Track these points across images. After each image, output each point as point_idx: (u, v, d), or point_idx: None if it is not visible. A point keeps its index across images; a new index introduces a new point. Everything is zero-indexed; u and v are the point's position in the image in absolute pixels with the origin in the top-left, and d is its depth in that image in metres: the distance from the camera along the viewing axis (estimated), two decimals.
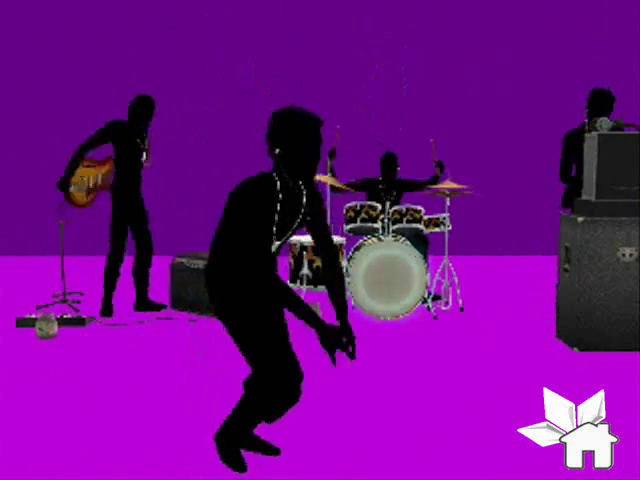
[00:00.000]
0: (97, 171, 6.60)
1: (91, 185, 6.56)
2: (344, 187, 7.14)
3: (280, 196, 3.21)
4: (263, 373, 3.30)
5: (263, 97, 9.81)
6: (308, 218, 3.40)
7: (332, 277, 3.43)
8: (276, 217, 3.22)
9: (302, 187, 3.33)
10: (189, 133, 10.04)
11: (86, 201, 6.66)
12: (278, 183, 3.22)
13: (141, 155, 6.46)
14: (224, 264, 3.26)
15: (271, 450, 3.59)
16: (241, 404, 3.37)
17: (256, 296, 3.30)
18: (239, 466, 3.37)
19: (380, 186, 7.32)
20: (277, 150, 3.21)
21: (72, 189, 6.54)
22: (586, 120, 5.96)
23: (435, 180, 7.33)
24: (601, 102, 5.94)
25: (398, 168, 7.35)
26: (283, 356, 3.36)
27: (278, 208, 3.22)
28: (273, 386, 3.29)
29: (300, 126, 3.18)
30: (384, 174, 7.33)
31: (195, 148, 9.95)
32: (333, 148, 7.37)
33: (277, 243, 3.31)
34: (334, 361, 3.35)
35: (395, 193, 7.35)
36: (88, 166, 6.58)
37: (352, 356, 3.38)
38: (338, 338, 3.42)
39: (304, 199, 3.33)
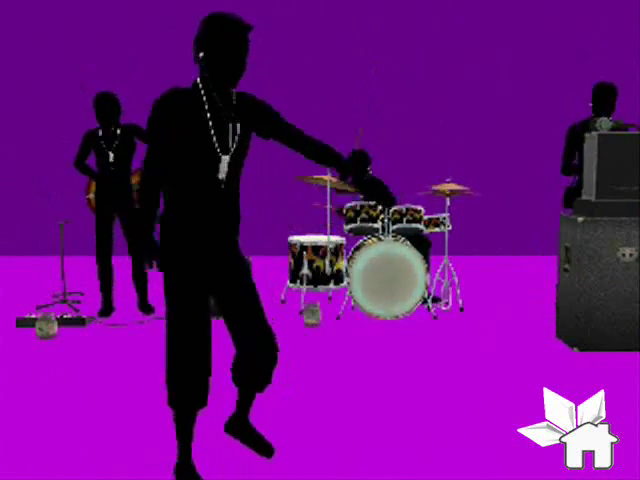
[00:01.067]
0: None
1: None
2: (349, 188, 7.14)
3: (206, 105, 3.02)
4: (167, 345, 3.11)
5: (272, 98, 9.81)
6: (267, 131, 3.20)
7: (315, 147, 3.26)
8: (207, 126, 3.01)
9: (233, 100, 3.12)
10: None
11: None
12: (201, 92, 3.03)
13: (107, 157, 6.38)
14: (166, 208, 3.08)
15: (263, 448, 3.51)
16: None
17: (185, 247, 3.06)
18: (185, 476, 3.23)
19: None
20: (200, 54, 3.02)
21: (91, 196, 6.57)
22: (592, 115, 6.02)
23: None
24: (604, 95, 5.97)
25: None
26: (188, 327, 3.06)
27: (206, 118, 3.01)
28: (174, 362, 3.09)
29: (223, 29, 2.99)
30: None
31: None
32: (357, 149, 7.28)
33: (224, 159, 3.06)
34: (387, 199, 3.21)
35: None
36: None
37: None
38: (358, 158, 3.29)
39: (237, 108, 3.12)
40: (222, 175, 3.09)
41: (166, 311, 3.13)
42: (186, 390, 3.11)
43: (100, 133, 6.34)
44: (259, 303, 3.26)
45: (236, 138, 3.12)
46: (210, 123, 3.04)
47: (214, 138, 3.05)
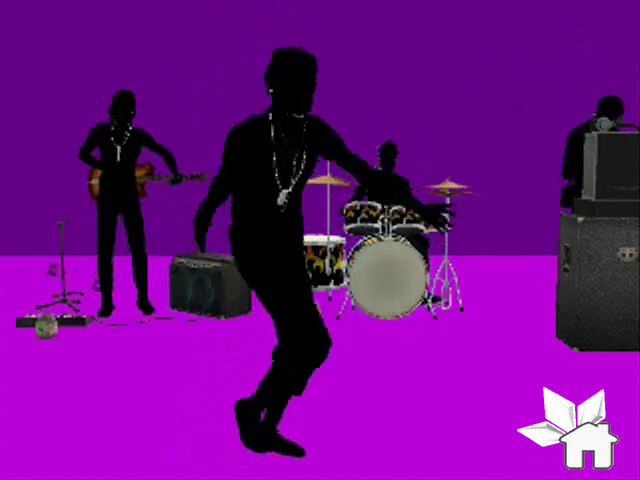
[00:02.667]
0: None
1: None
2: (345, 183, 7.14)
3: (272, 138, 3.16)
4: (285, 336, 3.28)
5: (264, 98, 9.82)
6: (331, 158, 3.32)
7: (389, 189, 3.35)
8: (271, 160, 3.17)
9: (303, 128, 3.25)
10: (188, 133, 10.04)
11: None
12: (270, 125, 3.18)
13: (115, 154, 6.37)
14: (234, 222, 3.31)
15: (294, 450, 3.56)
16: (270, 375, 3.38)
17: (265, 257, 3.26)
18: (255, 444, 3.37)
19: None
20: (271, 90, 3.18)
21: (94, 182, 6.56)
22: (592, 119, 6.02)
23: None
24: (612, 108, 5.96)
25: (396, 160, 7.24)
26: (300, 318, 3.27)
27: (270, 151, 3.16)
28: (296, 348, 3.27)
29: (290, 63, 3.13)
30: (383, 163, 7.18)
31: (195, 148, 9.95)
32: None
33: (284, 192, 3.23)
34: (445, 225, 3.30)
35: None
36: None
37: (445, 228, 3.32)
38: (438, 210, 3.34)
39: (304, 149, 3.25)
40: (281, 203, 3.27)
41: (275, 311, 3.28)
42: (309, 351, 3.28)
43: (112, 129, 6.36)
44: (314, 305, 3.44)
45: (300, 171, 3.27)
46: (274, 158, 3.20)
47: (276, 173, 3.22)
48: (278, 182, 3.23)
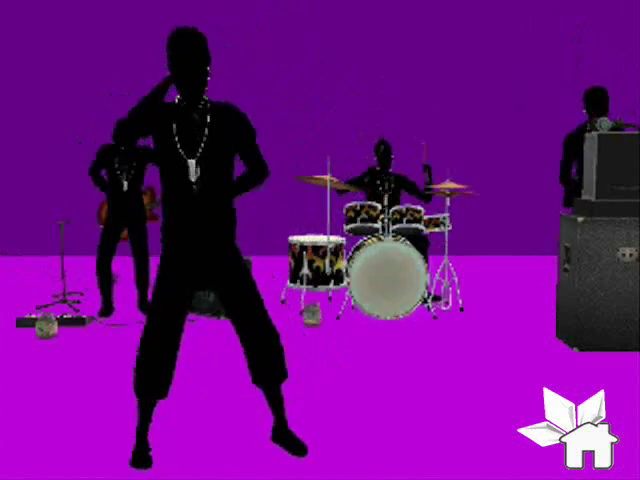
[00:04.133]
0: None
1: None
2: (347, 187, 7.14)
3: (170, 117, 3.23)
4: (141, 337, 3.36)
5: (265, 98, 9.82)
6: (236, 147, 3.37)
7: (248, 181, 3.47)
8: (172, 139, 3.23)
9: (206, 107, 3.30)
10: None
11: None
12: (170, 105, 3.25)
13: (121, 185, 6.36)
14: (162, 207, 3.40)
15: (296, 449, 3.58)
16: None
17: (166, 247, 3.34)
18: (141, 464, 3.41)
19: (378, 177, 7.22)
20: (168, 74, 3.28)
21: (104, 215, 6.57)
22: (586, 119, 5.98)
23: (427, 196, 7.23)
24: (596, 99, 5.94)
25: (393, 157, 7.24)
26: (158, 326, 3.31)
27: (171, 129, 3.23)
28: (141, 357, 3.33)
29: (170, 44, 3.22)
30: (380, 160, 7.18)
31: None
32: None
33: (191, 162, 3.24)
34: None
35: (393, 186, 7.22)
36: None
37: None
38: None
39: (207, 117, 3.28)
40: (193, 178, 3.26)
41: (148, 308, 3.38)
42: (149, 380, 3.34)
43: (114, 152, 6.36)
44: (255, 299, 3.42)
45: (205, 139, 3.28)
46: (174, 129, 3.25)
47: (178, 144, 3.25)
48: (181, 152, 3.25)
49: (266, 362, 3.46)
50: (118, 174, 6.34)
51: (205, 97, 3.33)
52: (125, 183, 6.35)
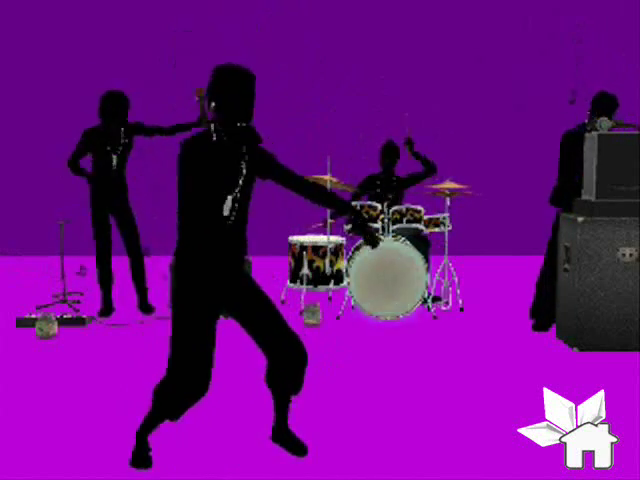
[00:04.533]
0: None
1: None
2: (347, 187, 7.14)
3: (211, 152, 3.23)
4: (173, 367, 3.30)
5: (265, 98, 9.82)
6: (269, 178, 3.43)
7: (317, 192, 3.49)
8: (210, 175, 3.23)
9: (243, 147, 3.32)
10: (188, 133, 10.04)
11: None
12: (210, 139, 3.25)
13: (111, 160, 6.33)
14: (180, 242, 3.33)
15: (296, 449, 3.59)
16: (150, 410, 3.42)
17: (196, 283, 3.29)
18: (141, 464, 3.43)
19: (378, 182, 7.21)
20: (212, 104, 3.27)
21: None
22: (587, 121, 5.93)
23: (427, 172, 7.16)
24: (605, 104, 5.85)
25: (398, 160, 7.22)
26: (196, 355, 3.28)
27: (209, 165, 3.23)
28: (178, 382, 3.29)
29: (230, 79, 3.22)
30: (384, 164, 7.17)
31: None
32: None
33: (229, 198, 3.27)
34: (374, 240, 3.53)
35: (395, 192, 7.21)
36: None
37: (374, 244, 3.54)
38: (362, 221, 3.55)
39: (245, 157, 3.32)
40: (227, 213, 3.30)
41: (174, 339, 3.30)
42: (181, 407, 3.32)
43: (103, 132, 6.31)
44: (278, 312, 3.46)
45: (242, 177, 3.33)
46: (219, 167, 3.26)
47: (220, 178, 3.27)
48: (222, 188, 3.27)
49: (288, 376, 3.47)
50: (108, 150, 6.28)
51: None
52: (115, 158, 6.30)
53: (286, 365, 3.44)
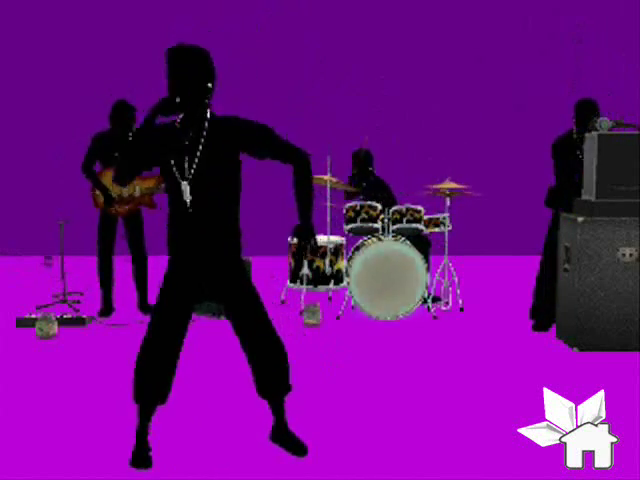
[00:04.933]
0: (136, 183, 6.45)
1: (125, 195, 6.42)
2: (348, 187, 7.15)
3: (168, 139, 3.26)
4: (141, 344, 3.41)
5: (264, 98, 9.82)
6: (253, 151, 3.33)
7: (299, 182, 3.39)
8: (169, 160, 3.27)
9: (202, 125, 3.26)
10: None
11: (120, 211, 6.46)
12: (168, 126, 3.29)
13: (116, 158, 6.36)
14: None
15: (297, 449, 3.60)
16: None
17: (168, 270, 3.40)
18: (141, 464, 3.43)
19: (364, 184, 7.22)
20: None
21: (99, 192, 6.48)
22: (574, 128, 5.92)
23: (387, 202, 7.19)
24: (586, 111, 5.84)
25: (371, 168, 7.23)
26: (156, 337, 3.35)
27: (168, 151, 3.27)
28: (140, 359, 3.37)
29: (167, 61, 3.21)
30: (357, 170, 7.18)
31: None
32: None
33: (184, 183, 3.25)
34: (304, 252, 3.54)
35: (382, 193, 7.20)
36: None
37: (311, 252, 3.54)
38: (307, 231, 3.45)
39: (202, 139, 3.25)
40: (186, 199, 3.29)
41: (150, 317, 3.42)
42: (148, 386, 3.38)
43: (111, 137, 6.34)
44: (259, 311, 3.43)
45: (196, 162, 3.26)
46: (170, 150, 3.28)
47: (174, 166, 3.28)
48: (176, 174, 3.27)
49: (270, 377, 3.48)
50: (116, 156, 6.32)
51: (206, 114, 3.27)
52: None
53: (265, 367, 3.45)
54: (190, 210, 3.29)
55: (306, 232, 3.41)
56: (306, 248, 3.43)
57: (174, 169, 3.27)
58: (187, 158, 3.25)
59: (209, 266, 3.39)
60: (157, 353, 3.34)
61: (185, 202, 3.29)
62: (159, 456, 3.56)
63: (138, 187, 6.39)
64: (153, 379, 3.36)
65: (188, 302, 3.38)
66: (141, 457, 3.44)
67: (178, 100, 3.18)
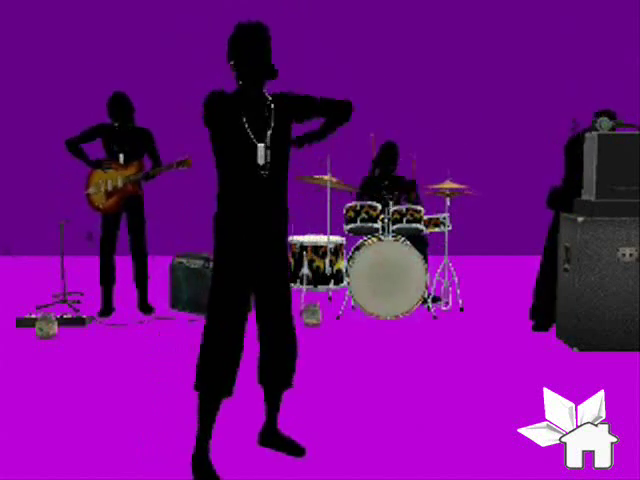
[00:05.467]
0: (117, 174, 6.45)
1: (109, 188, 6.42)
2: (348, 187, 7.15)
3: (232, 106, 3.28)
4: (205, 328, 3.34)
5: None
6: (301, 117, 3.47)
7: (331, 121, 3.59)
8: (242, 125, 3.28)
9: (265, 95, 3.39)
10: (189, 132, 10.04)
11: (107, 204, 6.47)
12: (233, 95, 3.32)
13: (117, 159, 6.38)
14: (218, 198, 3.36)
15: (294, 449, 3.59)
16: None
17: (231, 240, 3.30)
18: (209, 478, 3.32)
19: (382, 184, 7.22)
20: (231, 62, 3.35)
21: (90, 191, 6.49)
22: (586, 130, 5.93)
23: (412, 201, 7.18)
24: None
25: (398, 160, 7.23)
26: (225, 315, 3.29)
27: (239, 117, 3.28)
28: (208, 345, 3.29)
29: (240, 36, 3.29)
30: (384, 165, 7.18)
31: (195, 148, 9.96)
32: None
33: (261, 146, 3.29)
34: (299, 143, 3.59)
35: (397, 192, 7.21)
36: (108, 168, 6.44)
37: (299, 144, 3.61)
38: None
39: (271, 105, 3.37)
40: (261, 161, 3.30)
41: (209, 301, 3.33)
42: (216, 378, 3.27)
43: (114, 131, 6.38)
44: (288, 304, 3.46)
45: (272, 125, 3.35)
46: (244, 117, 3.30)
47: (248, 129, 3.29)
48: (252, 137, 3.29)
49: (280, 367, 3.48)
50: (115, 150, 6.36)
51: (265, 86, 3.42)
52: (121, 157, 6.35)
53: (278, 355, 3.45)
54: (265, 174, 3.31)
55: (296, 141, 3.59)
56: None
57: (250, 132, 3.29)
58: (263, 123, 3.33)
59: (270, 238, 3.37)
60: (226, 342, 3.26)
61: (257, 166, 3.30)
62: (159, 456, 3.56)
63: (120, 178, 6.40)
64: (224, 370, 3.27)
65: (250, 281, 3.33)
66: (208, 473, 3.32)
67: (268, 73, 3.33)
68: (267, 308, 3.42)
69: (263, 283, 3.40)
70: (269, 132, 3.32)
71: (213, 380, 3.28)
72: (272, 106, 3.37)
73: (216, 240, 3.33)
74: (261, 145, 3.29)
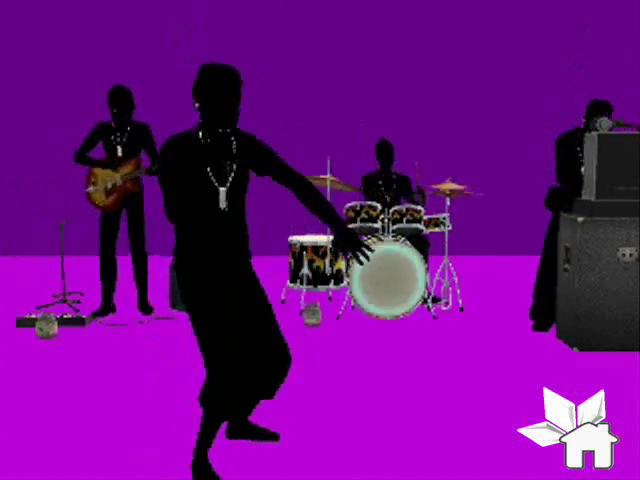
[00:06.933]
0: (116, 172, 6.44)
1: (109, 186, 6.42)
2: (348, 187, 7.15)
3: (196, 150, 3.25)
4: (213, 366, 3.26)
5: (265, 98, 9.82)
6: (260, 171, 3.41)
7: (309, 198, 3.43)
8: (201, 174, 3.24)
9: (231, 138, 3.34)
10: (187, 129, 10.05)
11: (107, 202, 6.46)
12: (194, 137, 3.28)
13: (115, 152, 6.39)
14: (177, 246, 3.32)
15: (269, 436, 3.62)
16: (203, 423, 3.34)
17: (204, 277, 3.28)
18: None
19: (380, 181, 7.22)
20: (196, 105, 3.29)
21: (90, 189, 6.49)
22: (580, 127, 5.92)
23: (414, 201, 7.18)
24: (597, 112, 5.83)
25: (394, 156, 7.23)
26: (234, 349, 3.24)
27: (195, 163, 3.24)
28: (225, 385, 3.23)
29: (211, 79, 3.22)
30: (381, 162, 7.18)
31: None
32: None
33: (222, 190, 3.27)
34: (357, 259, 3.37)
35: (395, 187, 7.21)
36: (106, 167, 6.44)
37: (360, 261, 3.37)
38: (349, 240, 3.38)
39: (234, 149, 3.33)
40: (223, 205, 3.29)
41: (205, 338, 3.26)
42: (238, 405, 3.29)
43: (112, 126, 6.39)
44: (273, 317, 3.45)
45: (233, 172, 3.32)
46: (208, 166, 3.28)
47: (212, 176, 3.28)
48: (215, 182, 3.27)
49: (268, 381, 3.43)
50: (114, 144, 6.36)
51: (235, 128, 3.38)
52: (119, 149, 6.36)
53: (268, 371, 3.39)
54: (226, 210, 3.30)
55: (345, 240, 3.38)
56: (357, 255, 3.36)
57: (212, 178, 3.27)
58: (227, 167, 3.31)
59: (236, 263, 3.36)
60: (245, 366, 3.25)
61: (220, 207, 3.29)
62: (158, 456, 3.56)
63: (118, 175, 6.40)
64: (247, 393, 3.29)
65: (237, 301, 3.33)
66: (209, 473, 3.33)
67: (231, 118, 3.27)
68: (252, 327, 3.36)
69: (246, 308, 3.37)
70: (231, 176, 3.31)
71: (234, 407, 3.28)
72: (235, 152, 3.34)
73: (186, 276, 3.30)
74: (223, 189, 3.28)
